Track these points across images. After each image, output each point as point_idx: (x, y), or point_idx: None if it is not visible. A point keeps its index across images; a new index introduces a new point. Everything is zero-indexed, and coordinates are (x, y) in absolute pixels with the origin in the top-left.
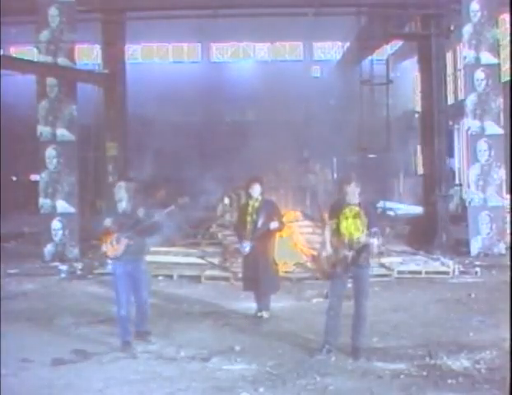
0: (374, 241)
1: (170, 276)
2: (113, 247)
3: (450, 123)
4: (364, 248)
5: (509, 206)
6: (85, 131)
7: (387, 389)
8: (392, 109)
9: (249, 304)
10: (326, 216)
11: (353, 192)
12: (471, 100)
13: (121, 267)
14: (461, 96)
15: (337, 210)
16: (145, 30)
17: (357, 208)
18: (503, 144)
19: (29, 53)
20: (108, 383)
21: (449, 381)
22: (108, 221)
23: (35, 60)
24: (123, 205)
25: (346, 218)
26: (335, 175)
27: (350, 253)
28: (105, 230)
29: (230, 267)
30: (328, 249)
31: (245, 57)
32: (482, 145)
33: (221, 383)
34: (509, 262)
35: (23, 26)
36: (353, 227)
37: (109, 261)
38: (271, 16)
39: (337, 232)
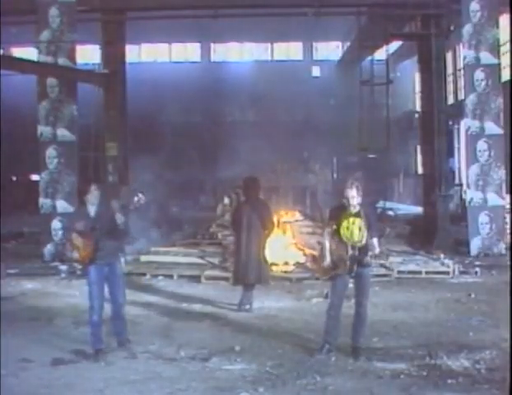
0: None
1: (170, 276)
2: (81, 251)
3: (450, 123)
4: (365, 249)
5: (509, 206)
6: (85, 131)
7: (387, 389)
8: (392, 109)
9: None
10: (326, 217)
11: (354, 201)
12: (471, 100)
13: (96, 271)
14: (461, 96)
15: (336, 216)
16: (145, 29)
17: (358, 219)
18: (503, 144)
19: (29, 53)
20: (108, 383)
21: (449, 381)
22: (79, 225)
23: (36, 60)
24: (94, 208)
25: (347, 228)
26: (335, 175)
27: (353, 253)
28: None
29: (230, 267)
30: (328, 260)
31: (245, 57)
32: (482, 145)
33: (220, 383)
34: (509, 262)
35: (23, 26)
36: (353, 235)
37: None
38: (271, 16)
39: (337, 236)
